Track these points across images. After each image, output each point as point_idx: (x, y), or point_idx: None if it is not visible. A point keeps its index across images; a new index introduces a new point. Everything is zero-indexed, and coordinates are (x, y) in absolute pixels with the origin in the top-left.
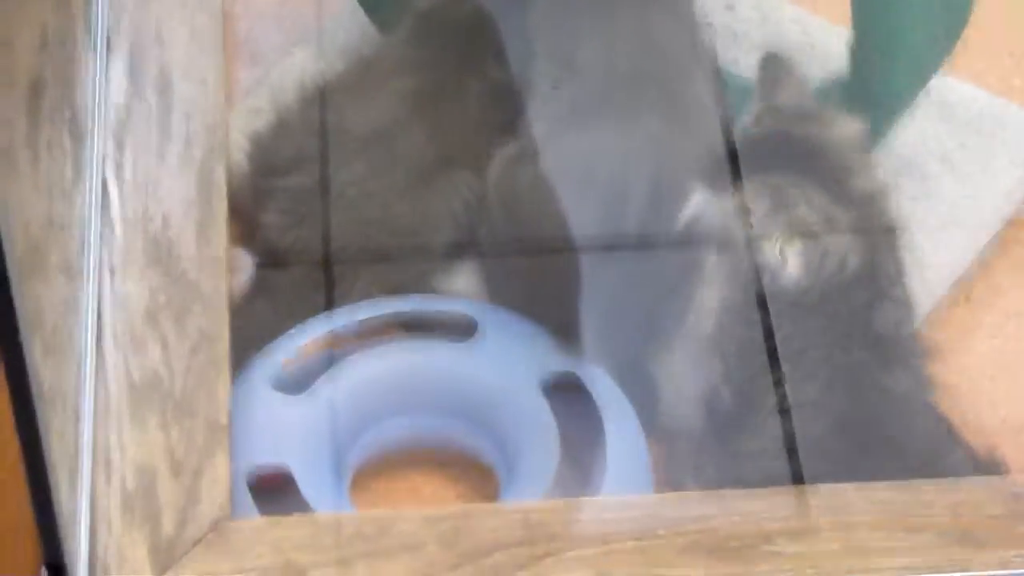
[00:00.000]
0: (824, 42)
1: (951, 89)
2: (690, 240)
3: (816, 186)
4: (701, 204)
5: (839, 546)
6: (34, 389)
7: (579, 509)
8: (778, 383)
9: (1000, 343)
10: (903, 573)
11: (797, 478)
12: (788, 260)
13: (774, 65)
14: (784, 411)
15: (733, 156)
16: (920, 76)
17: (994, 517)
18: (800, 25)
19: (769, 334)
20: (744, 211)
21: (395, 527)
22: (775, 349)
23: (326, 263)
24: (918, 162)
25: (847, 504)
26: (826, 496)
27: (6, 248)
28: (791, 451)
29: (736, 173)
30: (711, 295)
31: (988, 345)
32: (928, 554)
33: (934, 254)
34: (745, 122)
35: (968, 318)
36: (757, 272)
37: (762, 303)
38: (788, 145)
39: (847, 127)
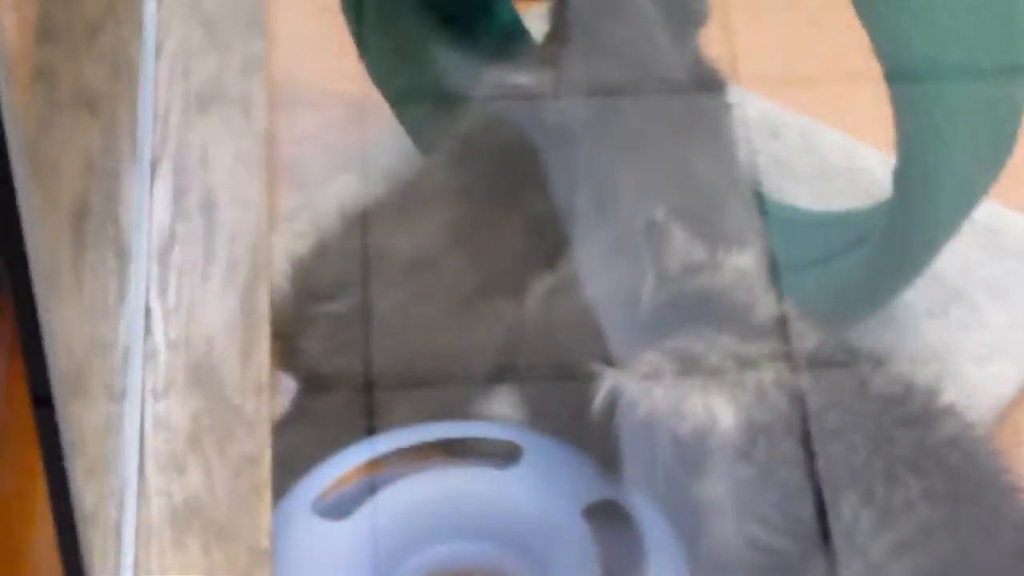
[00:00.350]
0: (869, 168)
1: (997, 216)
2: None
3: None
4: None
5: None
6: (77, 512)
7: None
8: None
9: None
10: None
11: None
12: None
13: (654, 232)
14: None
15: None
16: (967, 203)
17: None
18: (844, 152)
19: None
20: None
21: None
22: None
23: (367, 388)
24: (966, 291)
25: None
26: None
27: (51, 372)
28: None
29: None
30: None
31: None
32: None
33: (982, 385)
34: (642, 298)
35: (1015, 449)
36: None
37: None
38: (684, 303)
39: (738, 263)
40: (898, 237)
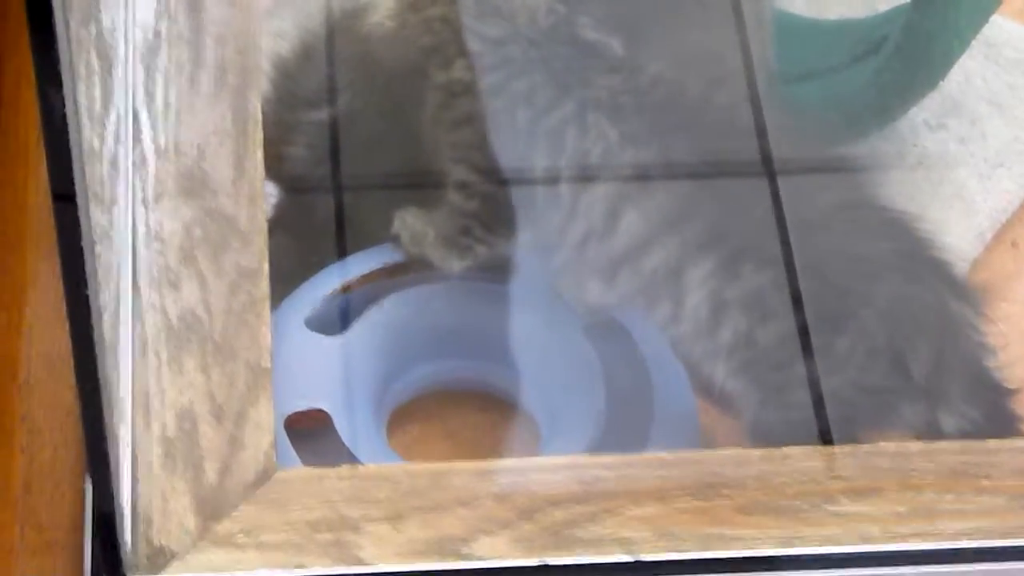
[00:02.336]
0: None
1: (995, 27)
2: None
3: None
4: None
5: (905, 508)
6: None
7: (636, 465)
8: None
9: None
10: (973, 537)
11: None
12: None
13: None
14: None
15: None
16: (986, 9)
17: None
18: None
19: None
20: None
21: (448, 481)
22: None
23: (359, 199)
24: (967, 104)
25: (913, 464)
26: (891, 456)
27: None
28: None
29: None
30: None
31: None
32: (1000, 517)
33: (983, 198)
34: None
35: (1014, 264)
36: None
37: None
38: None
39: None
40: (915, 47)
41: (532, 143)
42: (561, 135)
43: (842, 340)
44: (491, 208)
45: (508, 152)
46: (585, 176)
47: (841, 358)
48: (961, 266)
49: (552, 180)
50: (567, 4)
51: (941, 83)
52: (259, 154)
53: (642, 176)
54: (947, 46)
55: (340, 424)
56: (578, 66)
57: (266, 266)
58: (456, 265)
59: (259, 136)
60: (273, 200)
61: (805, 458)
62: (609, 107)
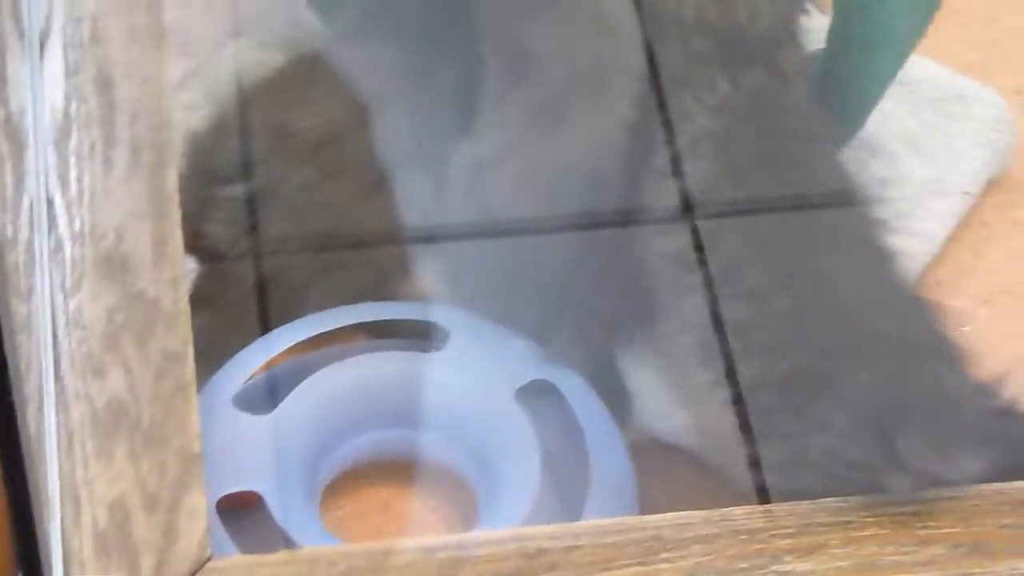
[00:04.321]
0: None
1: (911, 66)
2: None
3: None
4: None
5: (848, 563)
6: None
7: (579, 534)
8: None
9: (972, 330)
10: None
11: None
12: None
13: None
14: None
15: None
16: (901, 57)
17: (1005, 527)
18: None
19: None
20: None
21: (390, 560)
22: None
23: (276, 275)
24: (884, 144)
25: (854, 517)
26: (832, 511)
27: None
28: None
29: None
30: None
31: (961, 334)
32: (942, 567)
33: (908, 241)
34: None
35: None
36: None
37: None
38: None
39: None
40: (834, 95)
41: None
42: None
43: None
44: None
45: None
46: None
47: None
48: None
49: None
50: None
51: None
52: (178, 234)
53: None
54: (865, 92)
55: (273, 505)
56: None
57: (191, 350)
58: None
59: (177, 216)
60: (192, 275)
61: (746, 517)
62: None
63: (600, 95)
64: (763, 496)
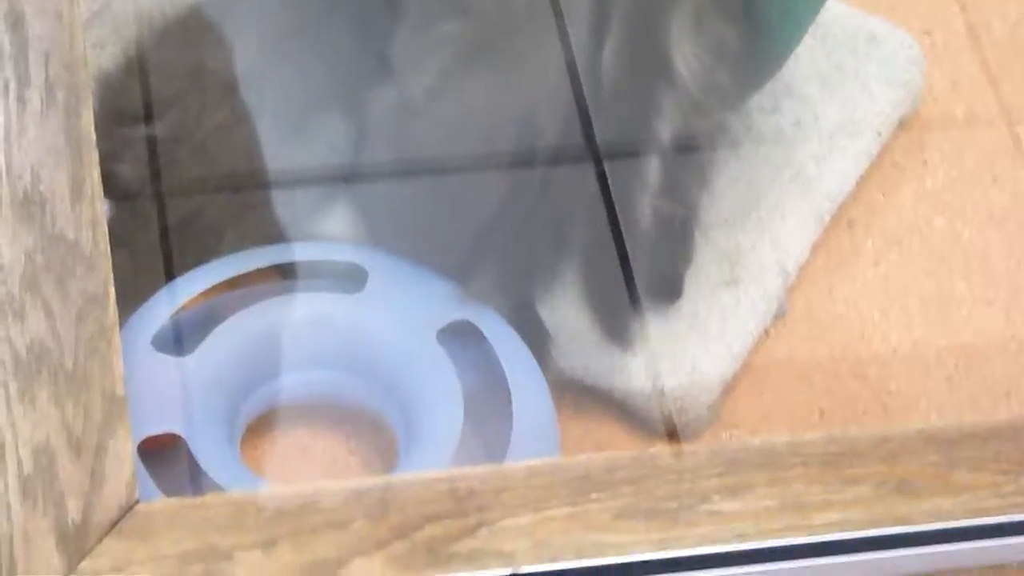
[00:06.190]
0: None
1: (824, 9)
2: None
3: None
4: None
5: (776, 502)
6: None
7: (508, 475)
8: None
9: (884, 270)
10: (843, 528)
11: None
12: None
13: None
14: None
15: None
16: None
17: (929, 465)
18: None
19: None
20: None
21: (318, 503)
22: None
23: (193, 215)
24: (798, 85)
25: (781, 458)
26: (758, 451)
27: None
28: None
29: None
30: None
31: (873, 272)
32: (867, 506)
33: (820, 180)
34: None
35: (851, 245)
36: None
37: None
38: None
39: None
40: (756, 35)
41: None
42: None
43: None
44: None
45: None
46: None
47: None
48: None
49: None
50: None
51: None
52: (96, 175)
53: None
54: (786, 32)
55: (195, 446)
56: None
57: (112, 292)
58: None
59: (95, 156)
60: (107, 217)
61: (675, 458)
62: None
63: (533, 33)
64: (675, 438)
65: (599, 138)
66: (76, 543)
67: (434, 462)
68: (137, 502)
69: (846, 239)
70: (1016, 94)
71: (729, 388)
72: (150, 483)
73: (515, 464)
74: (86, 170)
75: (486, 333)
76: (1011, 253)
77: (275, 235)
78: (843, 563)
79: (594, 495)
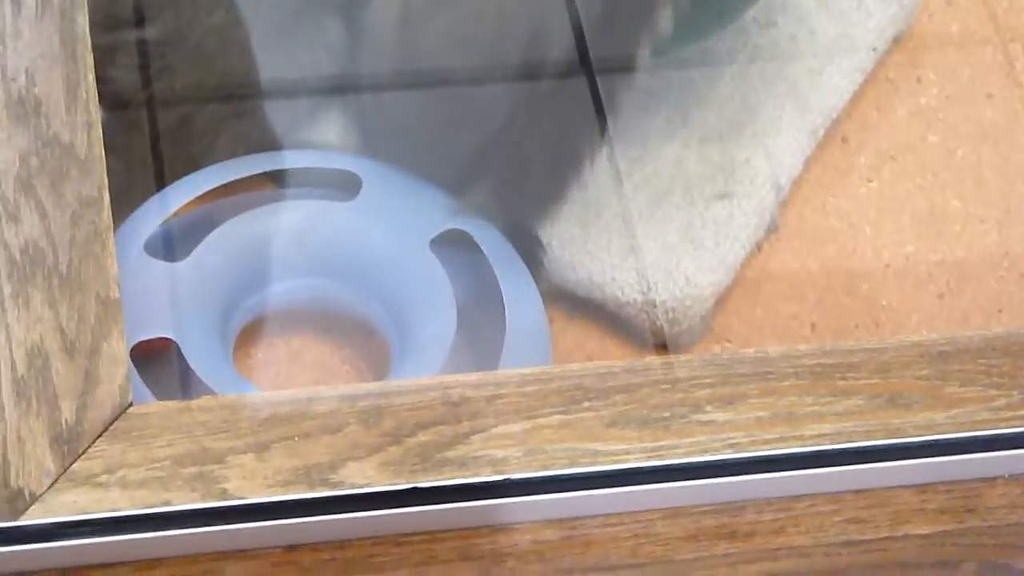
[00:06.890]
0: None
1: None
2: None
3: None
4: None
5: (768, 412)
6: None
7: (501, 383)
8: None
9: (877, 187)
10: (835, 439)
11: None
12: None
13: None
14: None
15: None
16: None
17: (921, 378)
18: None
19: None
20: None
21: (310, 407)
22: None
23: (186, 119)
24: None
25: (773, 369)
26: (751, 362)
27: None
28: None
29: None
30: None
31: (866, 188)
32: (859, 418)
33: (814, 95)
34: None
35: (844, 160)
36: None
37: None
38: None
39: None
40: None
41: None
42: None
43: None
44: None
45: None
46: None
47: None
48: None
49: None
50: None
51: None
52: (91, 78)
53: None
54: None
55: (187, 351)
56: None
57: (107, 195)
58: None
59: (90, 59)
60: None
61: (667, 368)
62: None
63: None
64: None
65: (592, 53)
66: (69, 444)
67: (426, 370)
68: (131, 404)
69: (840, 154)
70: (1011, 11)
71: (721, 301)
72: (143, 388)
73: (508, 372)
74: (81, 73)
75: (480, 243)
76: (1004, 170)
77: (269, 142)
78: (834, 474)
79: (587, 403)
